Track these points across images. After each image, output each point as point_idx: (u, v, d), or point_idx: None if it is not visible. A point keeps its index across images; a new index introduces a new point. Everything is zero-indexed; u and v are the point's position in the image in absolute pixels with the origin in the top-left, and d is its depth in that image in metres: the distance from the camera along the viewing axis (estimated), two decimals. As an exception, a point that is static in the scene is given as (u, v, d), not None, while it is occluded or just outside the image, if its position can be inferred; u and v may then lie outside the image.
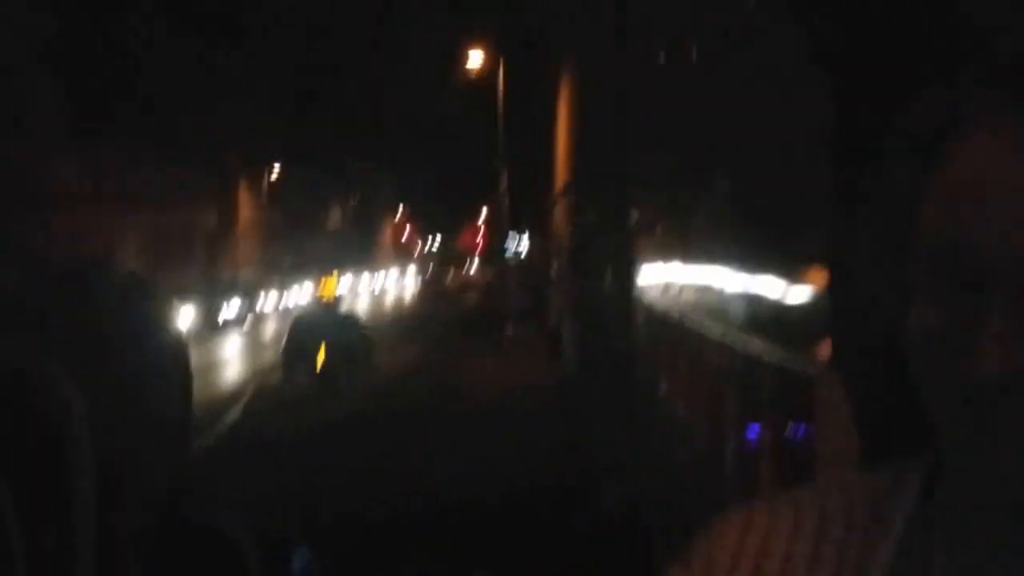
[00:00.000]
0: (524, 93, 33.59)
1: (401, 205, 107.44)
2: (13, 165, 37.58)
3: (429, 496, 10.22)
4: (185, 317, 35.77)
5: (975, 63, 0.99)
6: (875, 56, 2.01)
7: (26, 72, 38.55)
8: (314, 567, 2.51)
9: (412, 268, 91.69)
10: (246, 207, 64.53)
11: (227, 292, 42.87)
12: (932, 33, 1.89)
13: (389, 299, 67.67)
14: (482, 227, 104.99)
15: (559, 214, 25.27)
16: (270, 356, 28.58)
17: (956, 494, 1.02)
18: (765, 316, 23.84)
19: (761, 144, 24.34)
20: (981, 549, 1.00)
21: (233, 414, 18.29)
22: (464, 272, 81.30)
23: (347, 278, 66.19)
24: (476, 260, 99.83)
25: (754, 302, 28.90)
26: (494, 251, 74.48)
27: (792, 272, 25.76)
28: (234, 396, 20.92)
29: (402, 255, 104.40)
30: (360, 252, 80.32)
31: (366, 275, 75.63)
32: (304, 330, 23.73)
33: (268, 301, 48.44)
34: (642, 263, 11.51)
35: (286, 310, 47.54)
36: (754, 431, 8.41)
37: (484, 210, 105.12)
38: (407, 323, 41.53)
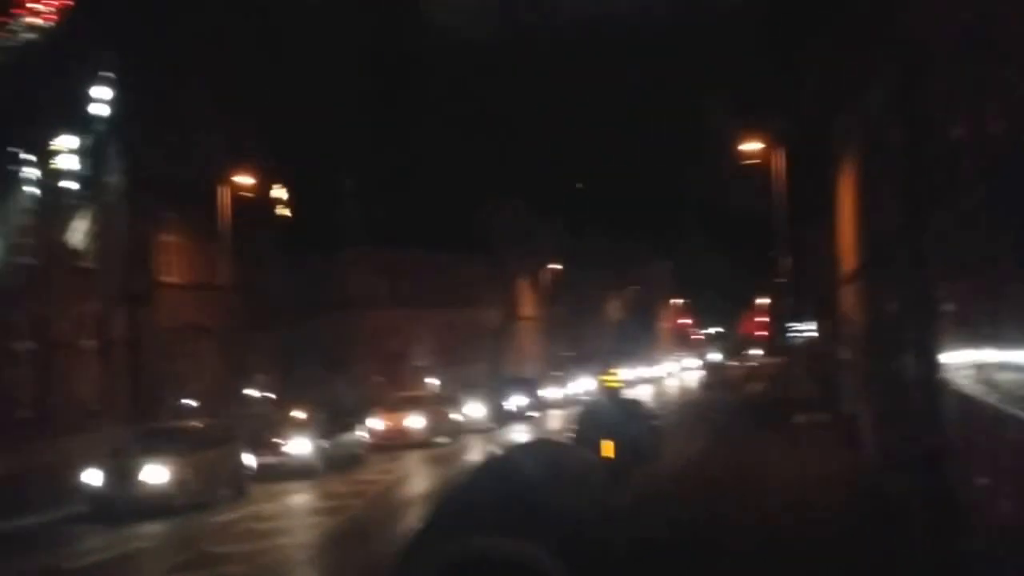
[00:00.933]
0: (803, 180, 32.92)
1: (679, 295, 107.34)
2: (318, 271, 40.28)
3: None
4: (473, 410, 36.76)
5: None
6: None
7: (332, 186, 41.40)
8: None
9: (692, 357, 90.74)
10: (528, 303, 66.35)
11: (512, 385, 43.83)
12: None
13: (671, 388, 67.15)
14: (763, 315, 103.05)
15: (848, 300, 24.34)
16: (556, 448, 28.85)
17: None
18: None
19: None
20: None
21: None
22: (746, 360, 79.57)
23: (629, 368, 66.42)
24: (757, 348, 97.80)
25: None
26: (776, 339, 72.63)
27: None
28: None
29: (682, 344, 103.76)
30: (640, 342, 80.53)
31: (647, 365, 75.58)
32: (591, 421, 23.75)
33: (551, 392, 49.15)
34: (949, 346, 10.68)
35: (569, 400, 48.11)
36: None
37: (764, 299, 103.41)
38: (691, 412, 40.90)
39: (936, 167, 10.83)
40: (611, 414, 24.10)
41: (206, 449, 21.42)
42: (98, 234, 29.25)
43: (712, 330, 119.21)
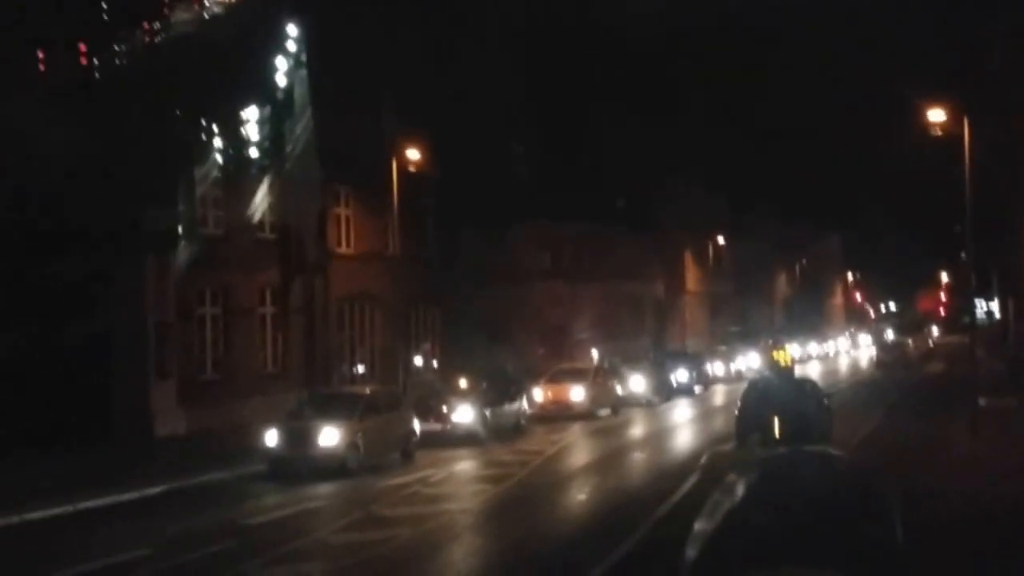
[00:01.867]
0: (990, 152, 31.50)
1: (851, 270, 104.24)
2: (484, 243, 40.75)
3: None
4: (636, 384, 36.68)
5: None
6: None
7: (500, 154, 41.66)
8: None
9: (865, 334, 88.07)
10: (692, 277, 65.55)
11: (677, 359, 43.47)
12: None
13: (842, 366, 65.39)
14: (943, 291, 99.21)
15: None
16: (720, 423, 28.57)
17: None
18: None
19: None
20: None
21: (689, 483, 18.33)
22: (924, 339, 76.72)
23: (798, 344, 64.92)
24: (936, 326, 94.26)
25: None
26: (957, 317, 69.79)
27: None
28: (688, 465, 20.96)
29: (854, 320, 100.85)
30: (809, 318, 78.59)
31: (817, 341, 73.76)
32: (758, 398, 23.34)
33: (716, 368, 48.51)
34: None
35: (735, 376, 47.43)
36: None
37: (944, 275, 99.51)
38: (864, 392, 39.77)
39: None
40: (779, 391, 23.68)
41: (377, 415, 22.07)
42: (278, 206, 30.38)
43: (886, 306, 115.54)
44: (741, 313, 68.15)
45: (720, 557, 3.82)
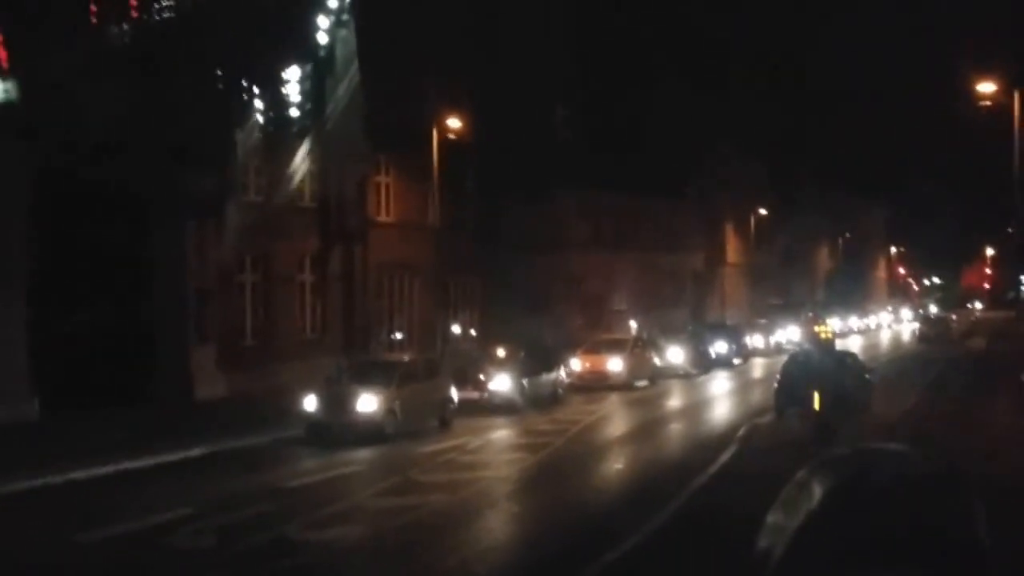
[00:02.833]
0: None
1: (894, 243, 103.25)
2: (523, 212, 40.70)
3: None
4: (675, 355, 36.60)
5: None
6: None
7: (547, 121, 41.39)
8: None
9: (907, 308, 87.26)
10: (733, 248, 65.14)
11: (716, 331, 43.29)
12: None
13: (884, 340, 64.84)
14: (989, 266, 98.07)
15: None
16: (759, 396, 28.44)
17: None
18: None
19: None
20: None
21: (726, 455, 18.28)
22: (967, 314, 75.91)
23: (840, 318, 64.41)
24: (980, 301, 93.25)
25: None
26: (1003, 291, 68.95)
27: None
28: (727, 436, 20.91)
29: (896, 294, 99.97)
30: (852, 292, 77.96)
31: (859, 315, 73.17)
32: (798, 371, 23.16)
33: (755, 340, 48.24)
34: None
35: (774, 349, 47.19)
36: None
37: (989, 249, 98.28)
38: (905, 367, 39.39)
39: None
40: (820, 364, 23.49)
41: (414, 382, 22.15)
42: (318, 173, 30.40)
43: (929, 281, 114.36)
44: (782, 286, 67.71)
45: (807, 557, 3.79)
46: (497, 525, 13.99)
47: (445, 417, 22.79)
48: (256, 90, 26.39)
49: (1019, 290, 36.66)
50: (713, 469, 16.80)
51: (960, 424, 21.32)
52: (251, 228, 27.42)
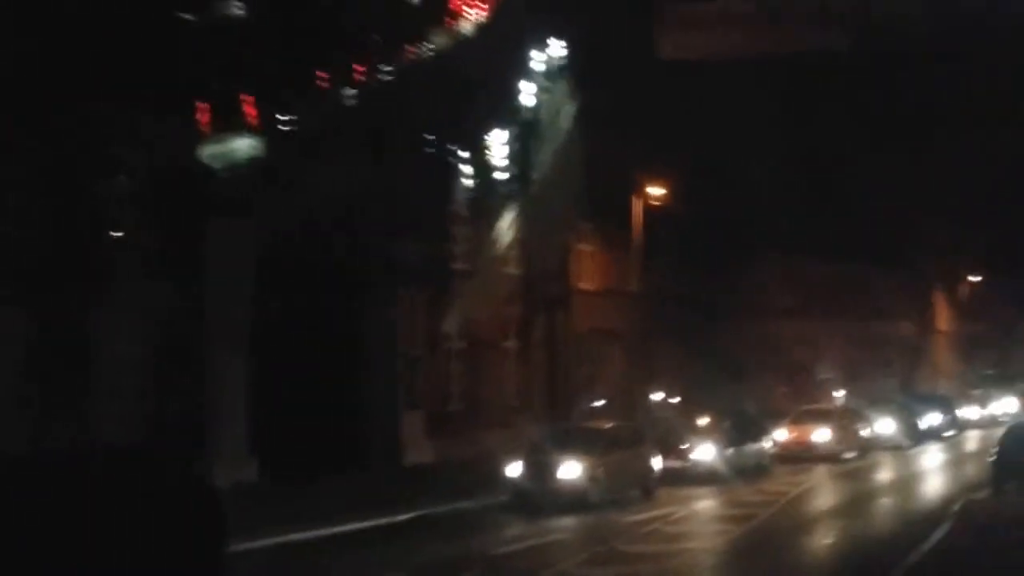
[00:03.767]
0: None
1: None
2: (726, 278, 40.32)
3: None
4: (884, 426, 35.38)
5: None
6: None
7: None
8: None
9: None
10: (943, 317, 62.71)
11: (927, 402, 41.65)
12: None
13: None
14: None
15: None
16: (973, 470, 27.17)
17: None
18: None
19: None
20: None
21: (941, 531, 17.56)
22: None
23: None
24: None
25: None
26: None
27: None
28: (940, 512, 20.06)
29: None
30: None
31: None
32: (1016, 445, 22.15)
33: (968, 412, 46.13)
34: None
35: (989, 421, 45.03)
36: None
37: None
38: None
39: None
40: (1039, 437, 22.34)
41: (618, 450, 22.20)
42: (521, 240, 30.94)
43: None
44: (997, 355, 64.57)
45: None
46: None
47: (648, 486, 22.71)
48: (464, 155, 26.90)
49: None
50: (927, 546, 16.16)
51: None
52: (458, 295, 28.14)
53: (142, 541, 10.56)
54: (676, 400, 37.11)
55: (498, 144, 27.94)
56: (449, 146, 26.44)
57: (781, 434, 31.18)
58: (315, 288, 23.95)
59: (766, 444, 28.75)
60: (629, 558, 15.74)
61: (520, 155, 28.52)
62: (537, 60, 29.46)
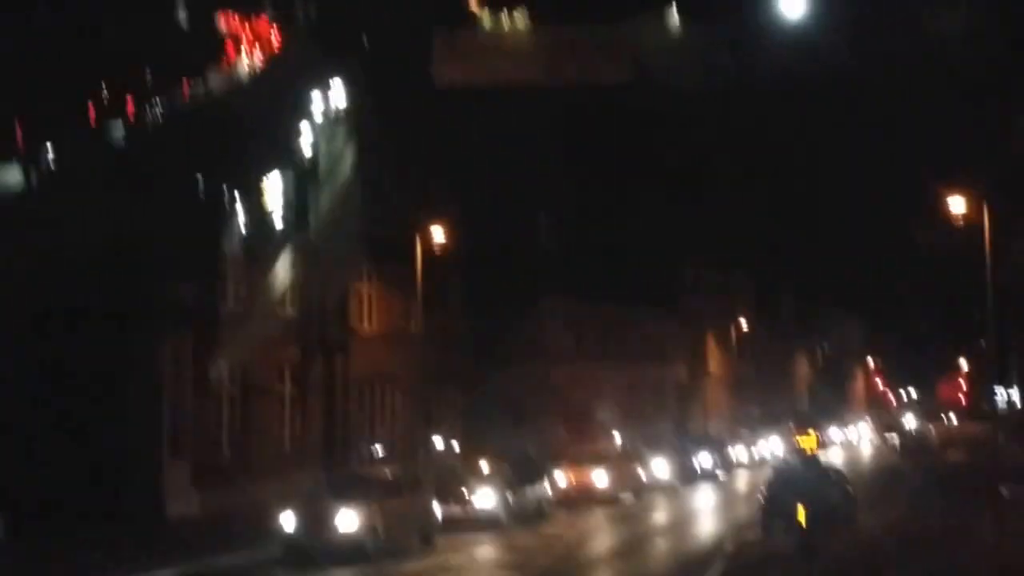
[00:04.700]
0: (1010, 238, 31.29)
1: (871, 354, 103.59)
2: (506, 323, 40.55)
3: None
4: (659, 468, 36.11)
5: None
6: None
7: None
8: None
9: (886, 420, 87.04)
10: (715, 359, 65.07)
11: (699, 443, 42.93)
12: None
13: (864, 452, 64.51)
14: (963, 378, 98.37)
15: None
16: (744, 510, 27.96)
17: None
18: None
19: None
20: None
21: (714, 571, 17.80)
22: (945, 426, 75.88)
23: (819, 430, 63.89)
24: (956, 413, 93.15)
25: None
26: (978, 403, 69.04)
27: None
28: (711, 552, 20.43)
29: (874, 407, 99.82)
30: (830, 403, 77.73)
31: (838, 426, 72.84)
32: (783, 485, 22.84)
33: (739, 452, 47.91)
34: None
35: (758, 462, 46.76)
36: None
37: (963, 361, 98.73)
38: (885, 479, 39.05)
39: None
40: (804, 478, 23.11)
41: (396, 497, 21.58)
42: (299, 283, 30.10)
43: (906, 393, 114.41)
44: (763, 397, 67.52)
45: None
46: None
47: (428, 534, 22.15)
48: (238, 197, 26.25)
49: (994, 403, 36.51)
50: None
51: (942, 538, 20.90)
52: (229, 338, 27.00)
53: None
54: (456, 445, 36.78)
55: (274, 186, 27.36)
56: (222, 187, 25.66)
57: (561, 477, 31.29)
58: (71, 329, 22.47)
59: (546, 487, 28.73)
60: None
61: (297, 197, 27.97)
62: (317, 102, 29.07)
